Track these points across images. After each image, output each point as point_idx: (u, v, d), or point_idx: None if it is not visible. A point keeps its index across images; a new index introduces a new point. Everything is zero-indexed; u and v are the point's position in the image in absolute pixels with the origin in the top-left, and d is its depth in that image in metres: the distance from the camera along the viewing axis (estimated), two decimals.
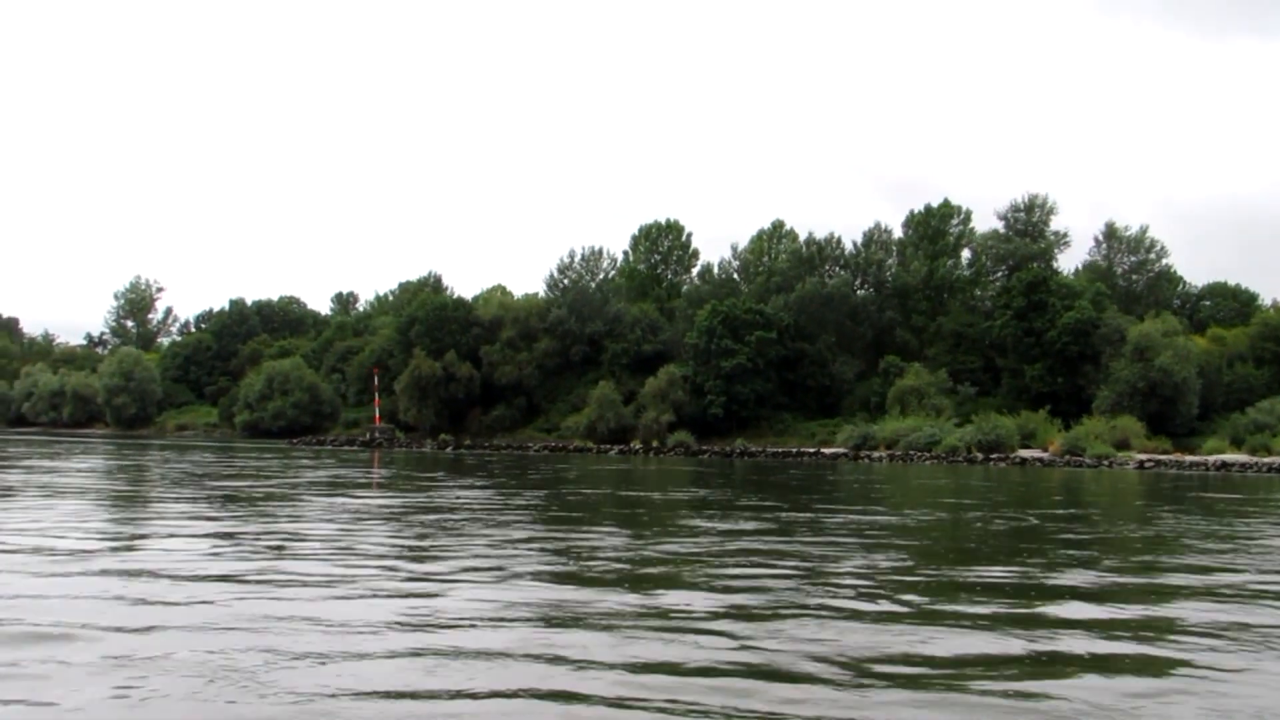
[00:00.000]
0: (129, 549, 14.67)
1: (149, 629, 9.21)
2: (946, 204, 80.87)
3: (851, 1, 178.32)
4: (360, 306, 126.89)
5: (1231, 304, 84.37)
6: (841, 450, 57.25)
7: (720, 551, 15.36)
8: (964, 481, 36.58)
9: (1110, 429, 51.01)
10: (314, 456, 49.10)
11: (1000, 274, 78.37)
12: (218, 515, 19.63)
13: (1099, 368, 64.80)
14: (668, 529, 18.75)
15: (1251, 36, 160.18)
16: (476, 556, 14.39)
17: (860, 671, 8.14)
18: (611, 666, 8.13)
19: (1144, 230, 79.09)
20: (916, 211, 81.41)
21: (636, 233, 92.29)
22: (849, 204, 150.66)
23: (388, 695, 7.31)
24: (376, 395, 79.33)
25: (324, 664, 8.05)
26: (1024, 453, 51.49)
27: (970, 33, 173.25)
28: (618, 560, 14.28)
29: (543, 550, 15.25)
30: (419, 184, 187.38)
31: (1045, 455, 49.51)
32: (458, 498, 25.30)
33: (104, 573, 12.24)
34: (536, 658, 8.36)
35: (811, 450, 58.87)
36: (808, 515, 22.36)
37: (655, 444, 68.82)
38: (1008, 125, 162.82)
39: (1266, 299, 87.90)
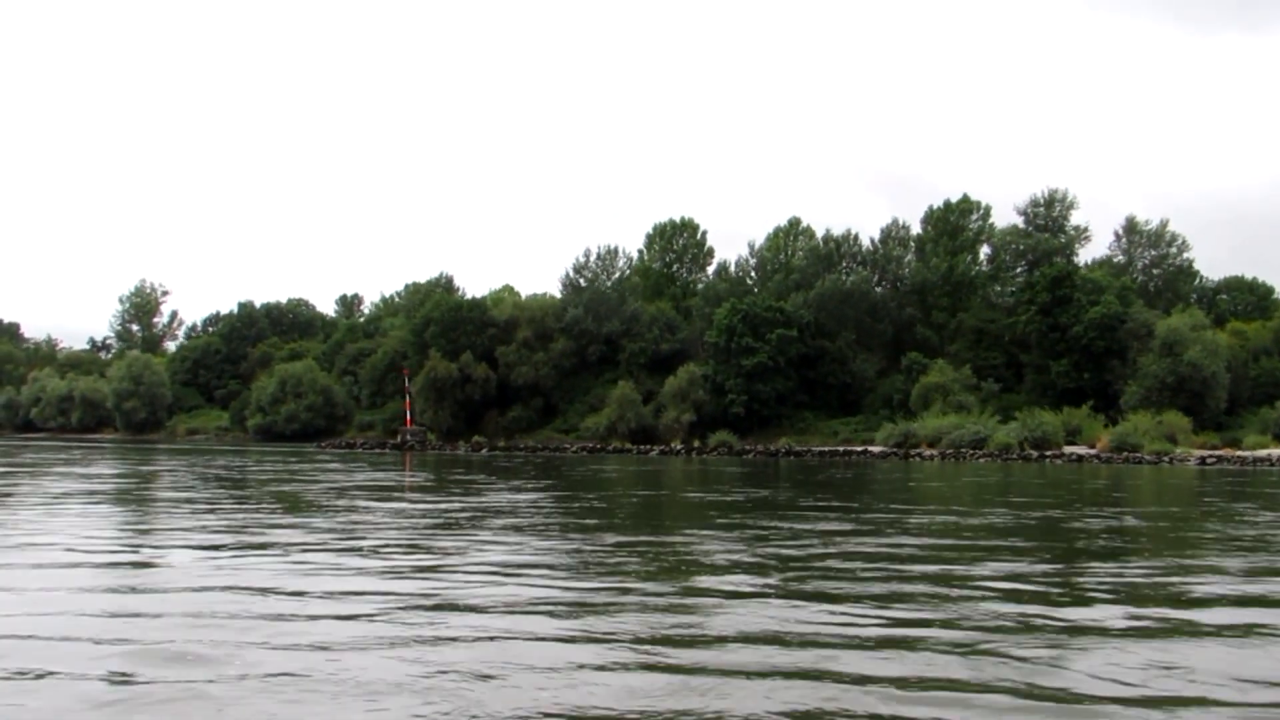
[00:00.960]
0: (248, 552, 13.99)
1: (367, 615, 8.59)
2: (966, 199, 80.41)
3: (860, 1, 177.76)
4: (365, 308, 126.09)
5: (1249, 298, 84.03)
6: (889, 449, 56.18)
7: (833, 554, 14.71)
8: (1024, 480, 35.99)
9: (1156, 424, 50.51)
10: (345, 460, 48.34)
11: (1020, 270, 77.94)
12: (305, 524, 18.97)
13: (1126, 363, 64.36)
14: (760, 532, 18.09)
15: (1239, 32, 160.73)
16: (590, 562, 13.75)
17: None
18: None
19: (1164, 224, 78.70)
20: (936, 207, 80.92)
21: (651, 231, 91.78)
22: (861, 203, 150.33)
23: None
24: (408, 398, 78.43)
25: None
26: (1069, 449, 50.91)
27: (963, 29, 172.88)
28: (740, 565, 13.63)
29: (654, 556, 14.61)
30: (423, 184, 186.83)
31: (1092, 452, 48.86)
32: (528, 501, 24.67)
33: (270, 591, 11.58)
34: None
35: (859, 449, 57.87)
36: (887, 516, 21.74)
37: (696, 444, 67.86)
38: (999, 122, 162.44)
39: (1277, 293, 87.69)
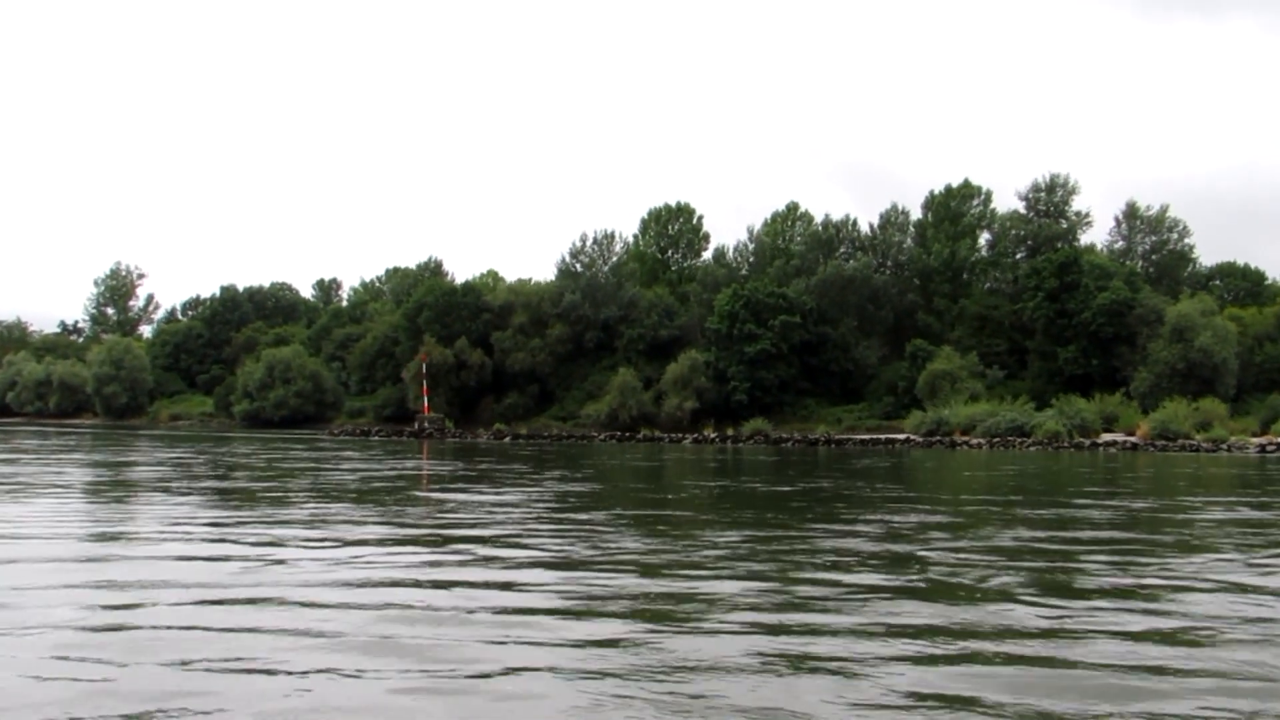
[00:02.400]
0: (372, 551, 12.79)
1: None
2: (967, 184, 79.79)
3: None
4: (344, 293, 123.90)
5: (1242, 284, 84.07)
6: (925, 437, 54.77)
7: (977, 547, 13.75)
8: (1084, 469, 35.10)
9: (1193, 410, 50.13)
10: (362, 449, 46.80)
11: (1021, 255, 77.49)
12: (391, 518, 17.78)
13: (1135, 349, 64.00)
14: (875, 525, 17.06)
15: (1195, 17, 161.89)
16: (742, 558, 12.69)
17: None
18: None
19: (1164, 209, 78.48)
20: (937, 192, 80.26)
21: (645, 216, 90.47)
22: (856, 190, 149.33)
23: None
24: (425, 384, 76.46)
25: None
26: (1107, 436, 50.39)
27: (945, 16, 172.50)
28: (894, 565, 12.62)
29: (797, 550, 13.57)
30: (404, 167, 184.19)
31: (1141, 439, 48.23)
32: (591, 492, 23.62)
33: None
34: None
35: (901, 437, 56.39)
36: (986, 509, 20.82)
37: (730, 431, 66.37)
38: (976, 109, 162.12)
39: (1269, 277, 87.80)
